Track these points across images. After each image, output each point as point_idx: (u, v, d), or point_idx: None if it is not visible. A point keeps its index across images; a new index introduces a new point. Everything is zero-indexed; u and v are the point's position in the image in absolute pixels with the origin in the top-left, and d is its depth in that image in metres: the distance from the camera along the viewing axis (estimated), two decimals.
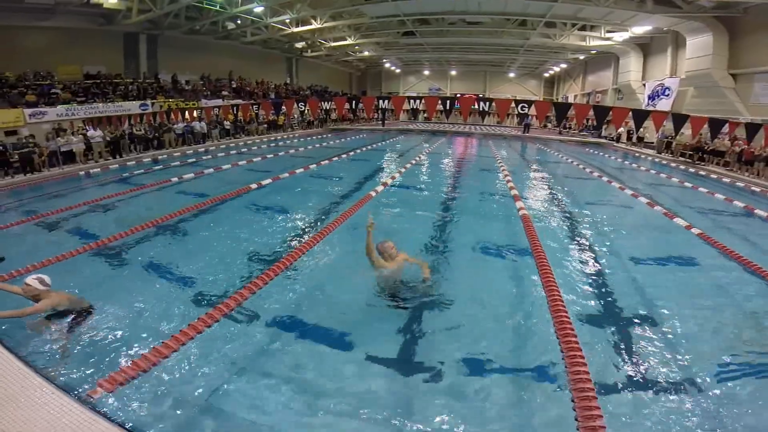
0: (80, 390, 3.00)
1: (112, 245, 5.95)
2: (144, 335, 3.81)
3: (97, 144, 14.07)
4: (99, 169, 12.65)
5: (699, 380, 3.37)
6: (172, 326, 3.92)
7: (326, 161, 14.01)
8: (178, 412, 2.95)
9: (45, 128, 14.45)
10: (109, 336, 3.80)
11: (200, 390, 3.17)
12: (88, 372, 3.30)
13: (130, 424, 2.72)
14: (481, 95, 34.66)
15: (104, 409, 2.80)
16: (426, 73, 43.54)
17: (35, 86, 17.06)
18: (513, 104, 13.18)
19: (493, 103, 13.35)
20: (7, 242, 6.15)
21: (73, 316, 3.93)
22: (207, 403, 3.04)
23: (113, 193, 9.41)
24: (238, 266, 5.48)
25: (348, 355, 3.68)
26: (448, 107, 13.80)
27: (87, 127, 14.75)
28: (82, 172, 12.26)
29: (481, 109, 13.65)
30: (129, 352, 3.56)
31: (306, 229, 7.07)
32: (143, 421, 2.81)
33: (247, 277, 4.93)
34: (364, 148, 18.51)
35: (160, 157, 15.24)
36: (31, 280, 3.75)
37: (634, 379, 3.39)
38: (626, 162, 17.28)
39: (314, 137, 23.42)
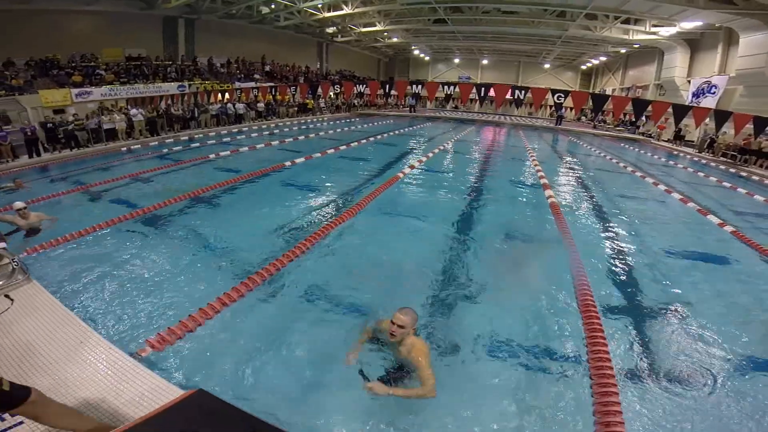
0: (129, 347, 3.19)
1: (153, 214, 6.34)
2: (182, 299, 3.97)
3: (138, 122, 14.77)
4: (139, 146, 13.32)
5: (721, 376, 3.33)
6: (210, 291, 4.04)
7: (355, 143, 14.29)
8: (221, 370, 3.10)
9: (90, 107, 15.25)
10: (151, 299, 3.97)
11: (242, 350, 3.32)
12: (135, 331, 3.48)
13: (178, 381, 2.87)
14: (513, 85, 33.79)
15: (153, 366, 2.96)
16: (456, 61, 42.68)
17: (81, 68, 17.93)
18: (549, 94, 12.79)
19: (529, 93, 13.03)
20: (56, 210, 6.61)
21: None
22: (246, 363, 3.18)
23: (153, 167, 9.90)
24: (276, 235, 5.68)
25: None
26: (482, 94, 13.55)
27: (129, 107, 15.48)
28: (124, 149, 12.92)
29: (516, 97, 13.34)
30: (172, 314, 3.71)
31: (338, 205, 7.24)
32: (190, 378, 2.98)
33: (285, 247, 5.12)
34: (392, 133, 18.66)
35: (196, 135, 15.87)
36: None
37: (655, 368, 3.37)
38: (663, 159, 16.65)
39: (342, 121, 23.72)
